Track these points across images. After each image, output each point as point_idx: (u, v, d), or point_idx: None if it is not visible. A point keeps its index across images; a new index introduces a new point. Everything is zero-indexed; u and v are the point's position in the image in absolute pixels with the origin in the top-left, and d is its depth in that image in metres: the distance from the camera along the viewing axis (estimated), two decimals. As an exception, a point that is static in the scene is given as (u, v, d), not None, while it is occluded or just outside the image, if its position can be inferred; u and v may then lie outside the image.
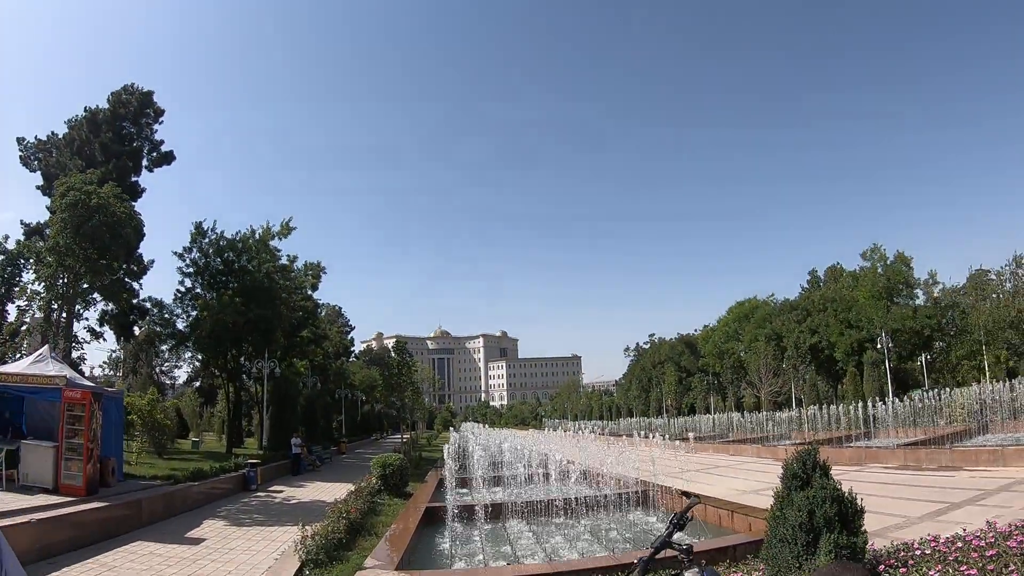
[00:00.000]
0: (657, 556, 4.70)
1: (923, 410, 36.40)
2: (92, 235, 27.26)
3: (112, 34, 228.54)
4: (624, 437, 44.13)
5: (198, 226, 35.89)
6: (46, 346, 20.88)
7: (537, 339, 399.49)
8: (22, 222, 36.53)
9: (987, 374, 48.30)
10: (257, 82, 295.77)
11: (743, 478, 21.74)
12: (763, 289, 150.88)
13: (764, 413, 52.54)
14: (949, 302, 60.95)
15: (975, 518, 10.89)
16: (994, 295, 59.94)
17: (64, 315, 30.25)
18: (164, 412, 28.69)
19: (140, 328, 38.83)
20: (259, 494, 22.53)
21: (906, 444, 27.90)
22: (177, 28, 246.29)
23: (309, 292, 48.42)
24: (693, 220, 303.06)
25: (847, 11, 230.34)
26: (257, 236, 37.67)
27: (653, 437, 28.68)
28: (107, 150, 36.59)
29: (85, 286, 29.57)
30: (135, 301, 36.03)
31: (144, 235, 34.21)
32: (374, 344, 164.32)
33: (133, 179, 38.28)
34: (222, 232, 36.39)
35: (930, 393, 38.09)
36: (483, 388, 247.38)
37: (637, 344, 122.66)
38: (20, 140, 37.37)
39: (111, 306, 34.10)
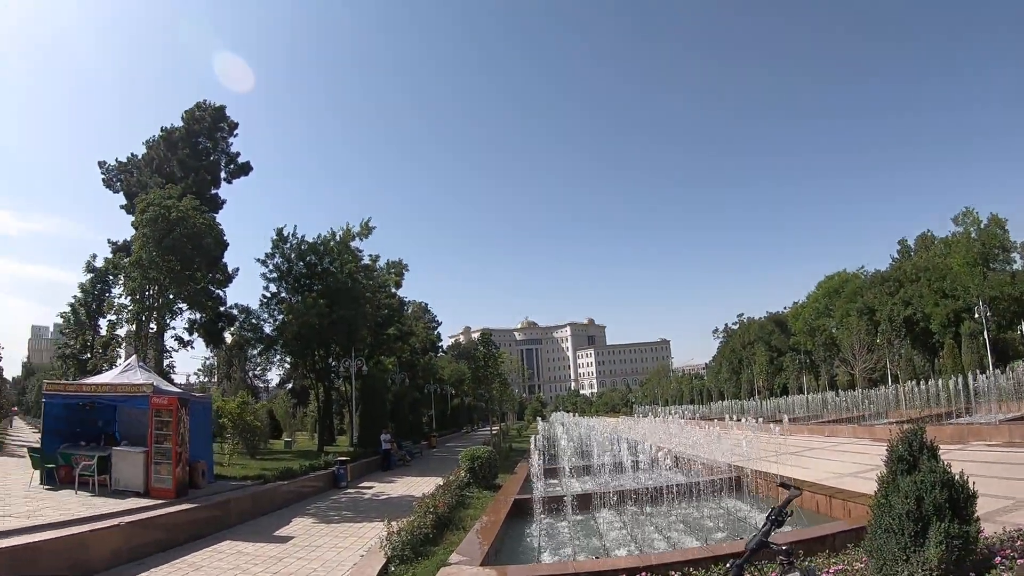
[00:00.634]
0: (753, 558, 4.15)
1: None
2: (174, 247, 28.07)
3: (185, 55, 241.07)
4: (715, 421, 42.47)
5: (279, 232, 36.67)
6: (134, 356, 21.50)
7: (625, 325, 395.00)
8: (109, 240, 38.38)
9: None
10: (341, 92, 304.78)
11: (839, 460, 20.10)
12: (852, 262, 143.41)
13: (859, 391, 50.33)
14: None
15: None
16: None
17: (153, 326, 31.32)
18: (254, 414, 29.22)
19: (230, 335, 39.92)
20: (349, 491, 22.44)
21: (1010, 419, 26.28)
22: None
23: (393, 290, 48.98)
24: (777, 194, 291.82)
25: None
26: (338, 238, 38.19)
27: (746, 421, 27.38)
28: (185, 166, 37.76)
29: (171, 296, 30.47)
30: (222, 309, 37.02)
31: (227, 244, 35.09)
32: (462, 338, 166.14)
33: (213, 192, 39.36)
34: (303, 236, 37.10)
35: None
36: (572, 377, 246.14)
37: (726, 325, 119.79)
38: (101, 164, 39.19)
39: (198, 315, 35.09)
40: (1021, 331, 53.21)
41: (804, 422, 43.01)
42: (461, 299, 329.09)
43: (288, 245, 36.71)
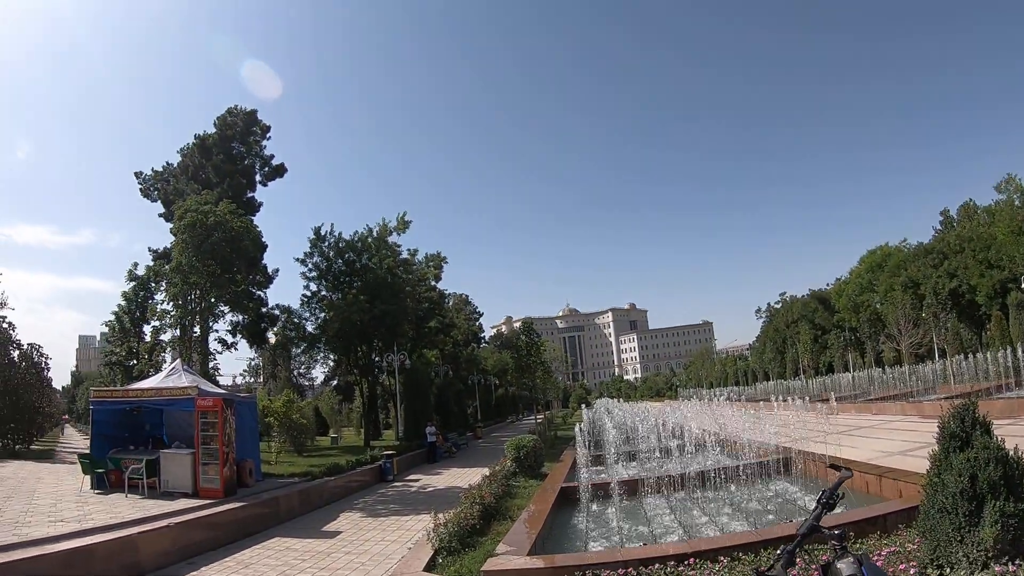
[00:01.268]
0: (804, 543, 3.85)
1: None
2: (213, 251, 28.44)
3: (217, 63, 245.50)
4: (761, 403, 41.54)
5: (317, 231, 37.27)
6: (178, 360, 21.77)
7: (667, 308, 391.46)
8: (149, 248, 39.02)
9: None
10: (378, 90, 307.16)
11: (888, 438, 19.29)
12: (894, 235, 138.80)
13: (906, 367, 48.51)
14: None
15: None
16: None
17: (197, 330, 31.85)
18: (300, 412, 29.51)
19: (273, 335, 40.48)
20: (395, 484, 22.49)
21: (1063, 391, 24.50)
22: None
23: (432, 283, 49.14)
24: (815, 169, 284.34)
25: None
26: (375, 234, 38.49)
27: (793, 401, 26.69)
28: (220, 171, 38.18)
29: (212, 300, 30.93)
30: (264, 310, 37.51)
31: (265, 246, 35.47)
32: (504, 328, 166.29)
33: (249, 195, 39.72)
34: (340, 234, 37.59)
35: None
36: (615, 362, 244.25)
37: (768, 304, 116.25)
38: (138, 174, 39.86)
39: (240, 316, 35.59)
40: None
41: (851, 400, 42.11)
42: (502, 290, 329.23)
43: (326, 243, 37.25)
